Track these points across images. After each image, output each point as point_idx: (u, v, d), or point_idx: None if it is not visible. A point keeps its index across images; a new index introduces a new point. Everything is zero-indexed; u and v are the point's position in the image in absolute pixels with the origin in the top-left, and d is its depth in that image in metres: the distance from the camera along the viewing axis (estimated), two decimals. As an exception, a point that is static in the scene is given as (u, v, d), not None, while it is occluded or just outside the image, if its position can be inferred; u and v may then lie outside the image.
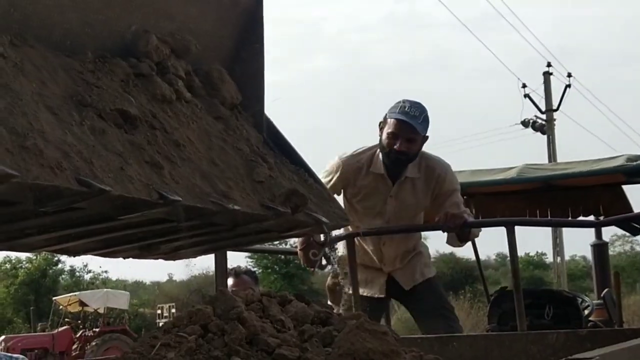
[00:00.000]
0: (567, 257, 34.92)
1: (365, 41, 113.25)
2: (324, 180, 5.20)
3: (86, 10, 3.07)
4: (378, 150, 5.51)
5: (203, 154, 3.08)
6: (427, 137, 5.42)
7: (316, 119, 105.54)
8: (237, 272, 6.71)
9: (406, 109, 5.29)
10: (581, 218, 8.51)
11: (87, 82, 2.87)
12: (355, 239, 5.64)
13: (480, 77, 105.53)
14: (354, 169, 5.53)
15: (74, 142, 2.48)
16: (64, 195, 2.31)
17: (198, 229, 3.09)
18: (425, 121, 5.32)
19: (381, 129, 5.42)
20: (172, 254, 3.55)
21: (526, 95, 31.65)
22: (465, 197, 6.41)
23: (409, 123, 5.23)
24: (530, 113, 32.37)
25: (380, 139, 5.44)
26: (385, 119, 5.41)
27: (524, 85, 31.57)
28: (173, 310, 30.26)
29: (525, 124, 31.89)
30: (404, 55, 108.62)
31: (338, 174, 5.51)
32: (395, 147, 5.30)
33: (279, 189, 3.19)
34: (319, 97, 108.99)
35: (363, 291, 5.76)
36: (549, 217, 8.56)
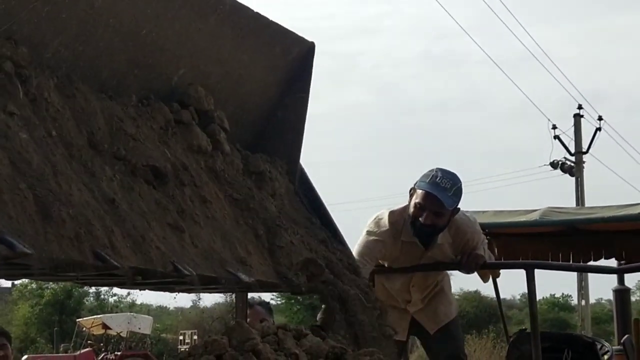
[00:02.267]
0: (592, 300, 34.64)
1: (399, 77, 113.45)
2: (372, 246, 5.21)
3: (136, 52, 3.11)
4: (407, 216, 5.31)
5: (228, 212, 3.12)
6: (458, 209, 5.25)
7: (346, 151, 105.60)
8: (251, 303, 6.71)
9: (437, 179, 5.06)
10: (604, 262, 8.46)
11: (126, 133, 2.90)
12: (381, 283, 5.64)
13: (511, 117, 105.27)
14: (391, 238, 5.32)
15: (99, 205, 2.52)
16: (80, 268, 2.34)
17: (212, 288, 3.12)
18: (456, 194, 5.11)
19: (411, 196, 5.25)
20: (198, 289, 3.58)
21: (556, 137, 31.35)
22: (488, 237, 6.38)
23: (437, 197, 5.03)
24: (560, 154, 32.13)
25: (409, 206, 5.27)
26: (415, 187, 5.22)
27: (554, 127, 31.26)
28: (195, 337, 30.26)
29: (554, 165, 31.60)
30: (436, 92, 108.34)
31: (389, 242, 5.29)
32: (420, 219, 5.13)
33: (297, 257, 3.21)
34: (351, 130, 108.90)
35: None
36: (571, 261, 8.50)
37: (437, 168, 5.12)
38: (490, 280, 7.00)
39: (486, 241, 5.67)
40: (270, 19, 3.53)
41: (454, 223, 5.33)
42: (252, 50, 3.54)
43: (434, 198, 5.00)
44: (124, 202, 2.65)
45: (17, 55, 2.65)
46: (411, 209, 5.16)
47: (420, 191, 5.08)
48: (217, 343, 2.74)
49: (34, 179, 2.37)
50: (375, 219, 5.34)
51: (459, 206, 5.20)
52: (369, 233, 5.25)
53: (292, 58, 3.72)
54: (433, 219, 5.09)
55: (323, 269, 3.23)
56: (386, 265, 5.51)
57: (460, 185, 5.13)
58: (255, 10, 3.45)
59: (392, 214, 5.29)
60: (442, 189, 5.00)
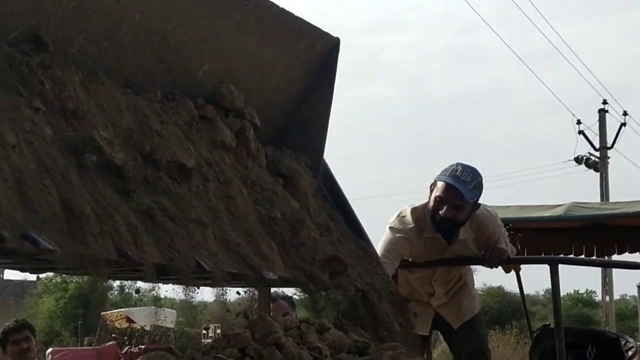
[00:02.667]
0: (617, 296, 34.37)
1: (423, 71, 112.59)
2: (396, 242, 5.16)
3: (162, 47, 3.12)
4: (428, 211, 5.26)
5: (251, 208, 3.12)
6: (479, 204, 5.21)
7: (369, 146, 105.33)
8: (274, 297, 6.71)
9: (457, 172, 5.02)
10: (628, 257, 8.44)
11: (150, 129, 2.90)
12: (404, 277, 5.64)
13: (535, 112, 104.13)
14: (415, 235, 5.27)
15: (123, 202, 2.53)
16: (103, 264, 2.35)
17: (235, 284, 3.12)
18: (477, 188, 5.07)
19: (431, 191, 5.20)
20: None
21: (580, 132, 31.16)
22: (512, 232, 6.35)
23: (457, 189, 4.98)
24: (584, 150, 31.93)
25: (429, 201, 5.22)
26: (435, 180, 5.18)
27: (579, 122, 31.06)
28: (218, 331, 30.28)
29: (578, 160, 31.37)
30: (460, 87, 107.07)
31: (413, 239, 5.24)
32: (441, 212, 5.08)
33: (320, 253, 3.21)
34: (374, 125, 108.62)
35: None
36: (595, 256, 8.48)
37: (457, 162, 5.09)
38: (514, 275, 7.00)
39: (507, 234, 5.64)
40: (295, 14, 3.53)
41: (475, 218, 5.29)
42: (276, 46, 3.54)
43: (454, 190, 4.95)
44: (148, 198, 2.66)
45: (43, 51, 2.68)
46: (431, 203, 5.13)
47: (441, 184, 5.04)
48: (240, 336, 2.74)
49: (59, 175, 2.38)
50: (398, 216, 5.31)
51: (479, 201, 5.17)
52: (393, 230, 5.22)
53: (317, 53, 3.72)
54: (453, 212, 5.03)
55: (346, 265, 3.22)
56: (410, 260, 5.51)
57: (481, 179, 5.08)
58: (280, 5, 3.45)
59: (414, 210, 5.26)
60: (462, 182, 4.96)
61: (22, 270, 2.87)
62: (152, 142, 2.87)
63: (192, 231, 2.72)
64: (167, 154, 2.86)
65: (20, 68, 2.56)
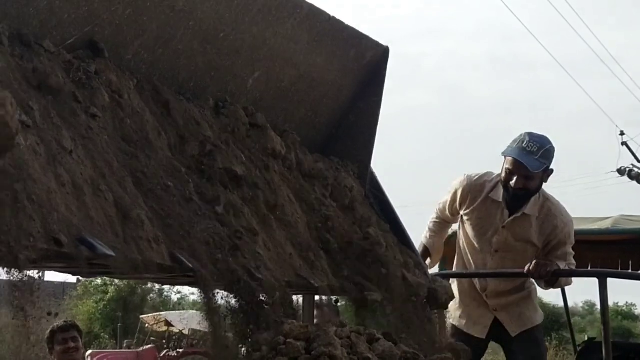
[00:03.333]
0: None
1: (464, 79, 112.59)
2: (446, 197, 5.42)
3: (214, 55, 3.14)
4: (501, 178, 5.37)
5: (300, 217, 3.13)
6: (552, 170, 5.26)
7: (410, 153, 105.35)
8: (319, 304, 6.70)
9: (524, 144, 5.12)
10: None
11: (203, 136, 2.92)
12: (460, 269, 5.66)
13: (577, 122, 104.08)
14: (476, 189, 5.42)
15: (177, 208, 2.55)
16: (157, 270, 2.38)
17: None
18: (545, 156, 5.13)
19: (504, 162, 5.30)
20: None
21: (624, 143, 30.95)
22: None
23: (522, 163, 5.08)
24: (627, 161, 31.71)
25: (501, 172, 5.32)
26: (503, 154, 5.27)
27: (622, 133, 30.84)
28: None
29: (621, 172, 31.18)
30: (501, 94, 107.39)
31: (461, 190, 5.43)
32: (511, 183, 5.18)
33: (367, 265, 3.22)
34: (413, 131, 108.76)
35: (465, 327, 5.73)
36: (640, 270, 8.39)
37: (525, 132, 5.18)
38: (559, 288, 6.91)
39: (573, 263, 5.56)
40: (346, 23, 3.54)
41: (547, 202, 5.34)
42: (326, 54, 3.55)
43: (519, 163, 5.07)
44: (201, 206, 2.68)
45: (99, 57, 2.71)
46: (503, 175, 5.23)
47: (508, 157, 5.15)
48: (292, 346, 2.75)
49: (114, 181, 2.41)
50: (471, 172, 5.52)
51: (551, 167, 5.21)
52: (458, 182, 5.46)
53: (366, 62, 3.73)
54: (524, 182, 5.15)
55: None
56: (473, 221, 5.54)
57: (550, 146, 5.15)
58: (331, 14, 3.46)
59: (488, 173, 5.43)
60: (528, 153, 5.06)
61: (75, 274, 2.90)
62: (204, 149, 2.90)
63: (243, 238, 2.74)
64: (218, 161, 2.89)
65: (77, 74, 2.59)
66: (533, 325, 5.69)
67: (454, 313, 5.68)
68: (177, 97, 3.00)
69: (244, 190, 2.94)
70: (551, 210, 5.31)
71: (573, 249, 5.60)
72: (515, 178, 5.09)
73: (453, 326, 5.67)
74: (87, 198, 2.26)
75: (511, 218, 5.29)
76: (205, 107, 3.10)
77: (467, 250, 5.70)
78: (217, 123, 3.08)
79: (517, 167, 5.07)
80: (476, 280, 5.67)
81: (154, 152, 2.67)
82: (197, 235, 2.55)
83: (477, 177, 5.42)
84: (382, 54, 3.77)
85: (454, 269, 5.83)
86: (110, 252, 2.17)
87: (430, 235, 5.62)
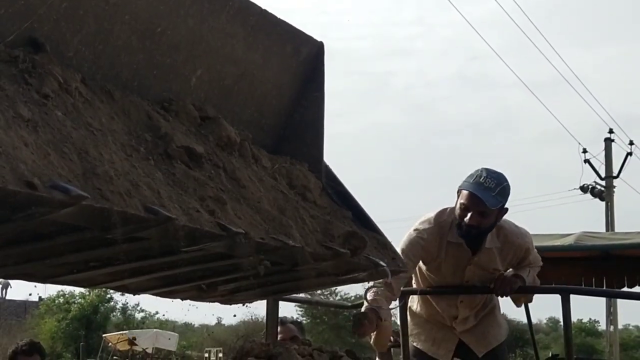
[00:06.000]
0: (620, 326, 34.28)
1: (431, 97, 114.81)
2: (415, 236, 5.18)
3: (153, 52, 3.14)
4: (454, 217, 5.24)
5: (264, 194, 3.12)
6: (506, 209, 5.16)
7: (376, 171, 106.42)
8: (284, 321, 6.71)
9: (481, 179, 5.01)
10: (638, 289, 8.41)
11: (155, 119, 2.92)
12: (428, 298, 5.58)
13: (542, 140, 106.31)
14: (437, 239, 5.26)
15: (142, 174, 2.53)
16: (131, 222, 2.34)
17: (257, 268, 3.10)
18: (501, 194, 5.02)
19: (458, 197, 5.18)
20: (228, 297, 3.57)
21: (586, 161, 31.50)
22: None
23: (480, 197, 4.96)
24: (590, 179, 32.21)
25: (455, 208, 5.21)
26: (460, 188, 5.16)
27: (585, 150, 31.43)
28: (220, 355, 30.41)
29: (584, 189, 31.66)
30: (468, 114, 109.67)
31: (426, 244, 5.22)
32: (465, 219, 5.07)
33: (338, 231, 3.21)
34: (381, 150, 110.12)
35: (429, 350, 5.67)
36: (605, 286, 8.45)
37: (482, 168, 5.08)
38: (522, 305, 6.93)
39: (540, 264, 5.57)
40: (278, 17, 3.59)
41: (502, 230, 5.28)
42: (263, 50, 3.57)
43: (476, 198, 4.96)
44: (164, 177, 2.67)
45: (42, 52, 2.71)
46: (457, 210, 5.13)
47: (464, 191, 5.05)
48: None
49: (77, 147, 2.39)
50: (422, 218, 5.32)
51: (506, 206, 5.14)
52: (414, 231, 5.22)
53: (303, 58, 3.76)
54: (478, 219, 5.02)
55: (366, 241, 3.22)
56: (429, 273, 5.44)
57: (506, 184, 5.05)
58: (263, 7, 3.50)
59: (440, 213, 5.26)
60: (485, 189, 4.96)
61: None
62: (159, 132, 2.89)
63: (211, 206, 2.71)
64: (176, 140, 2.88)
65: (24, 64, 2.58)
66: (498, 342, 5.70)
67: (417, 336, 5.65)
68: (124, 93, 3.00)
69: (205, 169, 2.92)
70: (507, 237, 5.32)
71: None
72: (469, 214, 5.04)
73: (416, 349, 5.64)
74: (52, 157, 2.24)
75: (476, 256, 5.28)
76: (154, 102, 3.10)
77: (432, 302, 5.69)
78: (168, 115, 3.08)
79: (472, 202, 5.02)
80: (441, 307, 5.66)
81: (110, 132, 2.66)
82: (167, 196, 2.53)
83: (435, 222, 5.28)
84: (317, 49, 3.80)
85: (416, 308, 5.79)
86: (84, 194, 2.14)
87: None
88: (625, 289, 8.42)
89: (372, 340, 5.12)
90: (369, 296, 4.67)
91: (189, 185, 2.72)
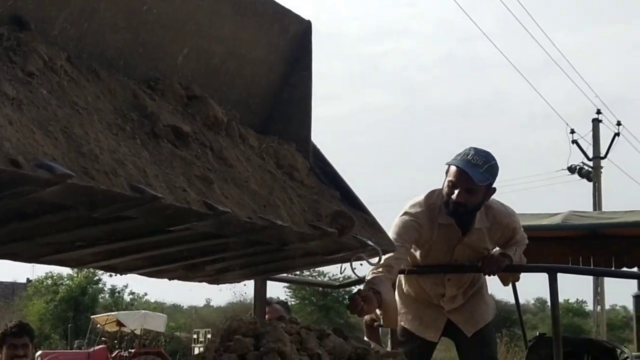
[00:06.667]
0: (607, 306, 34.49)
1: (422, 79, 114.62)
2: (406, 219, 5.15)
3: (139, 30, 3.11)
4: (442, 197, 5.22)
5: (251, 174, 3.10)
6: (494, 188, 5.15)
7: (367, 153, 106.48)
8: (269, 302, 6.73)
9: (469, 156, 4.99)
10: (625, 269, 8.45)
11: (141, 98, 2.90)
12: (414, 278, 5.58)
13: (531, 121, 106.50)
14: (429, 220, 5.24)
15: (128, 152, 2.51)
16: (117, 201, 2.33)
17: (245, 247, 3.10)
18: (489, 171, 5.00)
19: (446, 175, 5.17)
20: (216, 277, 3.56)
21: (574, 141, 31.55)
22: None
23: (467, 173, 4.94)
24: (578, 159, 32.25)
25: (443, 186, 5.19)
26: (448, 164, 5.15)
27: (572, 131, 31.48)
28: (209, 336, 30.50)
29: (571, 170, 31.72)
30: (459, 96, 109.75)
31: (420, 225, 5.18)
32: (453, 196, 5.06)
33: (326, 210, 3.20)
34: (373, 132, 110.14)
35: (416, 330, 5.68)
36: (592, 266, 8.50)
37: (470, 147, 5.08)
38: (510, 284, 6.96)
39: (526, 242, 5.58)
40: (266, -5, 3.56)
41: (491, 210, 5.29)
42: (252, 29, 3.55)
43: (464, 174, 4.96)
44: (150, 156, 2.65)
45: (26, 30, 2.68)
46: (444, 188, 5.13)
47: (452, 168, 5.05)
48: (241, 343, 2.73)
49: (62, 126, 2.37)
50: (412, 201, 5.31)
51: (494, 186, 5.14)
52: (404, 214, 5.20)
53: (291, 37, 3.73)
54: (465, 196, 5.02)
55: (353, 220, 3.21)
56: (419, 254, 5.44)
57: (495, 163, 5.04)
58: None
59: (429, 195, 5.25)
60: (473, 165, 4.95)
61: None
62: (145, 110, 2.87)
63: (198, 185, 2.70)
64: (162, 119, 2.86)
65: (8, 42, 2.56)
66: (486, 322, 5.72)
67: (404, 316, 5.66)
68: (110, 71, 2.98)
69: (192, 148, 2.91)
70: (496, 218, 5.32)
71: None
72: (457, 191, 5.03)
73: (404, 329, 5.64)
74: (37, 136, 2.22)
75: (466, 236, 5.27)
76: (140, 80, 3.07)
77: (419, 281, 5.69)
78: (154, 94, 3.06)
79: (460, 178, 5.01)
80: (428, 286, 5.66)
81: (96, 111, 2.64)
82: (153, 174, 2.52)
83: (425, 204, 5.25)
84: (305, 28, 3.78)
85: (404, 287, 5.80)
86: (69, 172, 2.13)
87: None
88: (613, 268, 8.46)
89: (381, 321, 5.12)
90: (368, 277, 4.66)
91: (175, 164, 2.71)
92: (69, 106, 2.51)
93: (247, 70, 3.62)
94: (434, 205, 5.20)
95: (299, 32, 3.77)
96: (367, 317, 6.00)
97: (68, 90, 2.61)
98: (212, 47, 3.43)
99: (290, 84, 3.79)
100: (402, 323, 5.67)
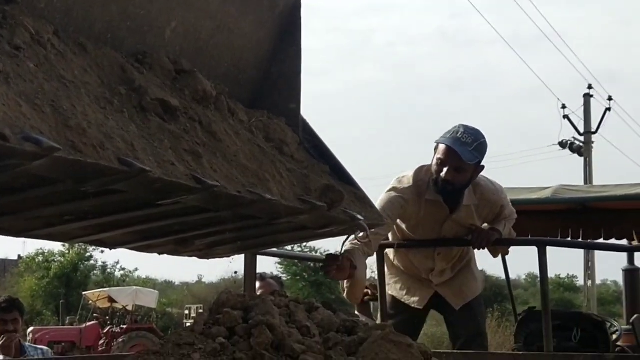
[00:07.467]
0: (598, 281, 34.64)
1: (413, 54, 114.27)
2: (392, 195, 5.18)
3: (127, 3, 3.08)
4: (431, 174, 5.26)
5: (240, 148, 3.09)
6: (483, 166, 5.19)
7: (358, 129, 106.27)
8: (264, 276, 6.75)
9: (458, 134, 5.01)
10: (614, 241, 8.49)
11: (129, 72, 2.89)
12: (403, 252, 5.60)
13: (523, 96, 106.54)
14: (416, 197, 5.27)
15: (116, 126, 2.50)
16: (105, 174, 2.32)
17: (234, 222, 3.09)
18: (478, 150, 5.03)
19: (434, 153, 5.19)
20: (206, 251, 3.56)
21: (565, 117, 31.58)
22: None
23: (456, 151, 4.97)
24: (569, 134, 32.30)
25: (431, 164, 5.22)
26: (437, 143, 5.16)
27: (564, 106, 31.53)
28: (201, 312, 30.60)
29: (563, 145, 31.79)
30: (449, 70, 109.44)
31: (403, 202, 5.21)
32: (441, 174, 5.09)
33: (315, 184, 3.20)
34: (364, 108, 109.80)
35: (403, 298, 5.72)
36: (582, 239, 8.53)
37: (460, 124, 5.08)
38: (500, 259, 6.98)
39: (514, 217, 5.60)
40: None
41: (479, 187, 5.30)
42: (240, 3, 3.52)
43: (453, 152, 4.97)
44: (138, 130, 2.64)
45: (12, 3, 2.65)
46: (433, 166, 5.13)
47: (441, 146, 5.05)
48: (229, 315, 2.73)
49: (49, 99, 2.36)
50: (399, 176, 5.31)
51: (483, 163, 5.16)
52: (391, 189, 5.22)
53: (280, 11, 3.72)
54: (454, 174, 5.04)
55: (343, 195, 3.21)
56: (407, 228, 5.45)
57: (484, 141, 5.07)
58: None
59: (417, 171, 5.27)
60: (462, 144, 4.97)
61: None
62: (133, 84, 2.86)
63: (186, 159, 2.69)
64: (150, 93, 2.85)
65: (-8, 15, 2.54)
66: (474, 296, 5.77)
67: (392, 285, 5.69)
68: (97, 45, 2.96)
69: (180, 122, 2.90)
70: (484, 195, 5.35)
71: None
72: (445, 169, 5.03)
73: (392, 298, 5.68)
74: (24, 109, 2.20)
75: (455, 213, 5.28)
76: (128, 54, 3.06)
77: (409, 255, 5.71)
78: (142, 67, 3.04)
79: (449, 156, 5.03)
80: (417, 260, 5.68)
81: (83, 85, 2.62)
82: (141, 148, 2.51)
83: (412, 180, 5.27)
84: (294, 2, 3.76)
85: (393, 259, 5.82)
86: (56, 145, 2.12)
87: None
88: (602, 240, 8.51)
89: (345, 293, 5.14)
90: (346, 247, 4.67)
91: (163, 138, 2.69)
92: (57, 80, 2.49)
93: (236, 44, 3.60)
94: (422, 182, 5.21)
95: (289, 6, 3.75)
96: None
97: (55, 63, 2.59)
98: (200, 21, 3.41)
99: (280, 58, 3.77)
100: (390, 291, 5.71)
